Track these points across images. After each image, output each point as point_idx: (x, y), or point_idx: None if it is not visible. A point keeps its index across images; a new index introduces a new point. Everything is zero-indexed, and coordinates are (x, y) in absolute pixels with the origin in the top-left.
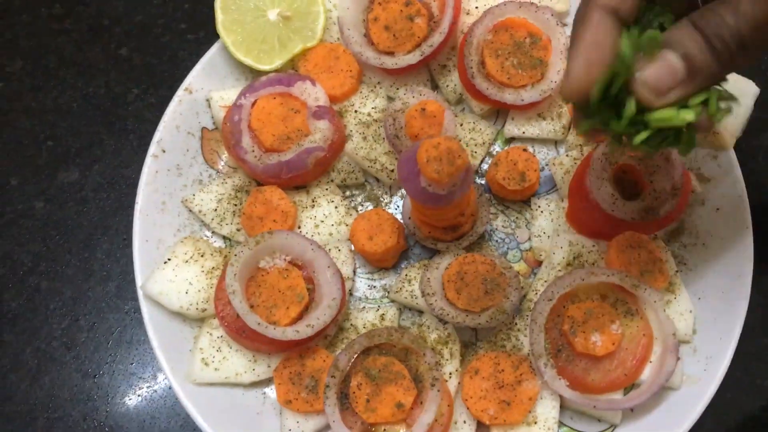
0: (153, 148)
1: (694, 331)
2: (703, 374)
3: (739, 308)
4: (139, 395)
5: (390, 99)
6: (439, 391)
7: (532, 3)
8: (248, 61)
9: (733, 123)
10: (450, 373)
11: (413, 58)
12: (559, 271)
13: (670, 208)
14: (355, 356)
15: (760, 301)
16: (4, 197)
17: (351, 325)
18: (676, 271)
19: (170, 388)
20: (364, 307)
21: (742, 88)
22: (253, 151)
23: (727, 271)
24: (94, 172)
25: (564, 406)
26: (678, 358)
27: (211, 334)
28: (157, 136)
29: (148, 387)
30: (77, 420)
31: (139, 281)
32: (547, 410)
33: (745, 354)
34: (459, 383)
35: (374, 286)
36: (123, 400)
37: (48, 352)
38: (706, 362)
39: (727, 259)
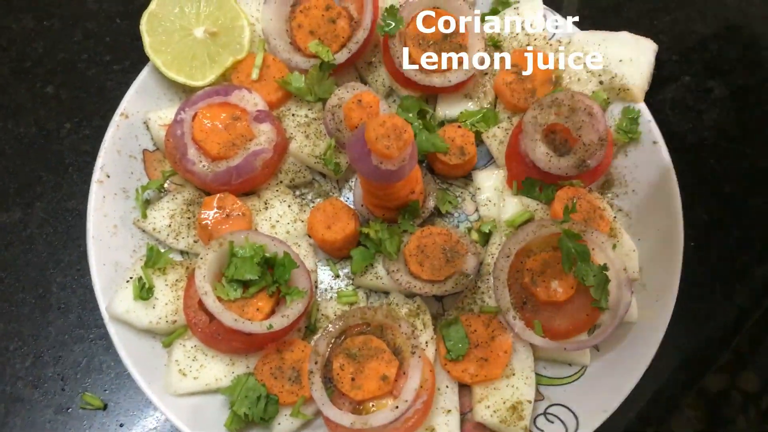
0: (97, 174)
1: (640, 268)
2: (656, 305)
3: (676, 242)
4: (117, 421)
5: (324, 99)
6: (419, 357)
7: None
8: (181, 78)
9: (641, 78)
10: (426, 342)
11: (342, 56)
12: (511, 231)
13: (599, 158)
14: (333, 340)
15: (691, 234)
16: None
17: (322, 315)
18: (614, 218)
19: (149, 406)
20: (331, 297)
21: (642, 46)
22: (201, 161)
23: (658, 210)
24: (37, 209)
25: (537, 357)
26: (631, 291)
27: (184, 345)
28: (100, 162)
29: (126, 410)
30: None
31: (102, 304)
32: (522, 361)
33: (689, 285)
34: (436, 350)
35: (338, 276)
36: (102, 428)
37: (14, 394)
38: (657, 295)
39: (656, 199)
